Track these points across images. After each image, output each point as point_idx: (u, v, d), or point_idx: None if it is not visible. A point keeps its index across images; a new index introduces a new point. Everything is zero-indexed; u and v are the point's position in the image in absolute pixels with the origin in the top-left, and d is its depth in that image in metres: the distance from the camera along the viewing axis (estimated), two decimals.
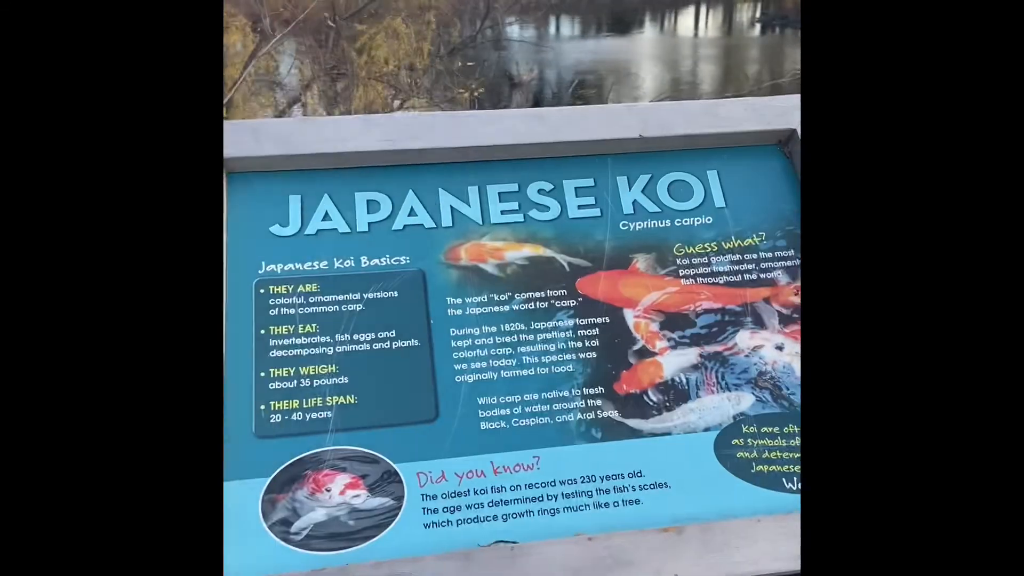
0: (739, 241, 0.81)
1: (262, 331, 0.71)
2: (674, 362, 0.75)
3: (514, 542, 0.64)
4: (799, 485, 0.69)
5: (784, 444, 0.71)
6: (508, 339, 0.74)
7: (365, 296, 0.74)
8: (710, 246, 0.81)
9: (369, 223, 0.78)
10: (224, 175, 0.75)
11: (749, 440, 0.71)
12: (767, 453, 0.71)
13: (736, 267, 0.80)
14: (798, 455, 0.71)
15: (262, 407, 0.68)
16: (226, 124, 0.76)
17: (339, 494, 0.66)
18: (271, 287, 0.73)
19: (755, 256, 0.80)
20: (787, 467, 0.70)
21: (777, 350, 0.76)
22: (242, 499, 0.64)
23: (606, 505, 0.68)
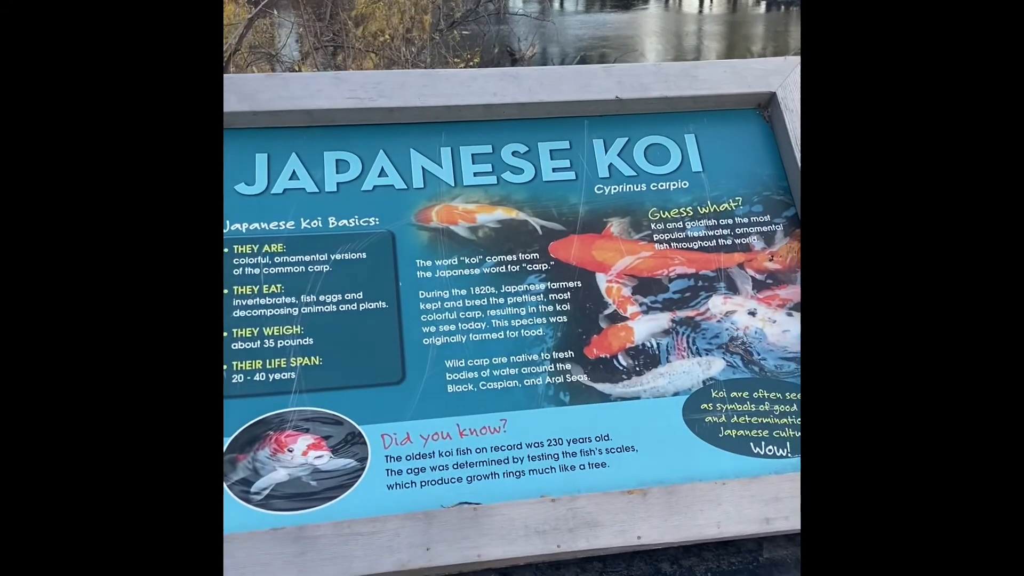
0: (715, 206, 0.80)
1: (226, 291, 0.70)
2: (645, 327, 0.74)
3: (478, 503, 0.64)
4: (767, 449, 0.69)
5: (753, 409, 0.71)
6: (478, 302, 0.73)
7: (332, 257, 0.73)
8: (685, 211, 0.80)
9: (338, 183, 0.77)
10: None
11: (718, 405, 0.71)
12: (736, 418, 0.70)
13: (711, 232, 0.79)
14: (767, 420, 0.70)
15: (224, 367, 0.67)
16: None
17: (301, 455, 0.65)
18: (235, 247, 0.72)
19: (731, 221, 0.79)
20: (755, 432, 0.70)
21: (750, 315, 0.75)
22: None
23: (572, 468, 0.67)
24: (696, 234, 0.78)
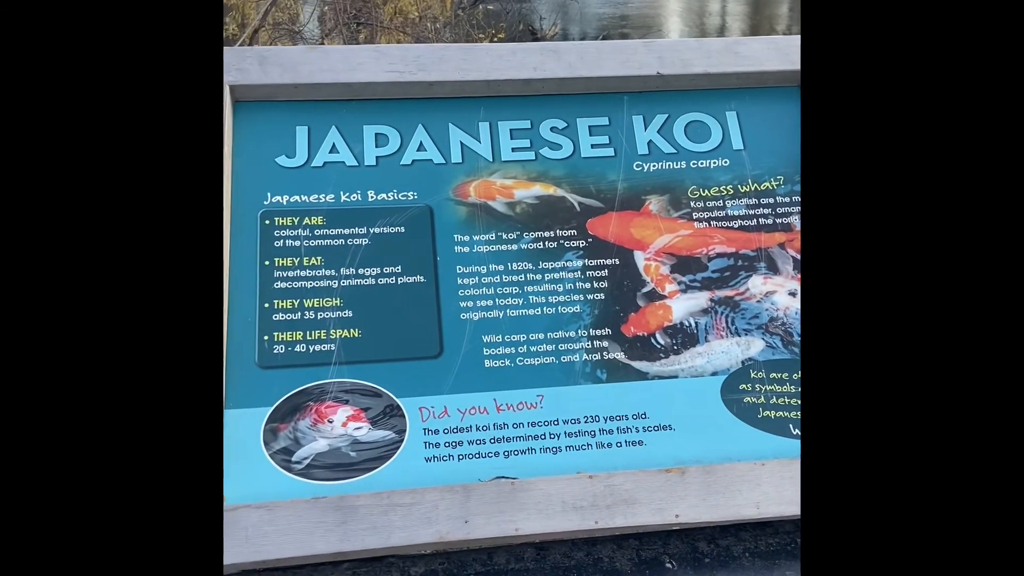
0: (756, 185, 0.79)
1: (266, 262, 0.71)
2: (684, 306, 0.73)
3: (515, 478, 0.64)
4: None
5: (793, 390, 0.70)
6: (515, 278, 0.73)
7: (371, 231, 0.73)
8: (726, 189, 0.79)
9: (377, 157, 0.76)
10: (230, 103, 0.74)
11: (757, 385, 0.70)
12: (775, 399, 0.70)
13: (752, 211, 0.78)
14: None
15: (265, 338, 0.68)
16: (232, 51, 0.74)
17: (341, 426, 0.66)
18: (276, 218, 0.72)
19: (772, 200, 0.78)
20: (795, 413, 0.69)
21: (790, 296, 0.74)
22: (243, 428, 0.64)
23: (609, 445, 0.67)
24: (736, 213, 0.78)
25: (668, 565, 0.63)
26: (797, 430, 0.69)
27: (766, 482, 0.65)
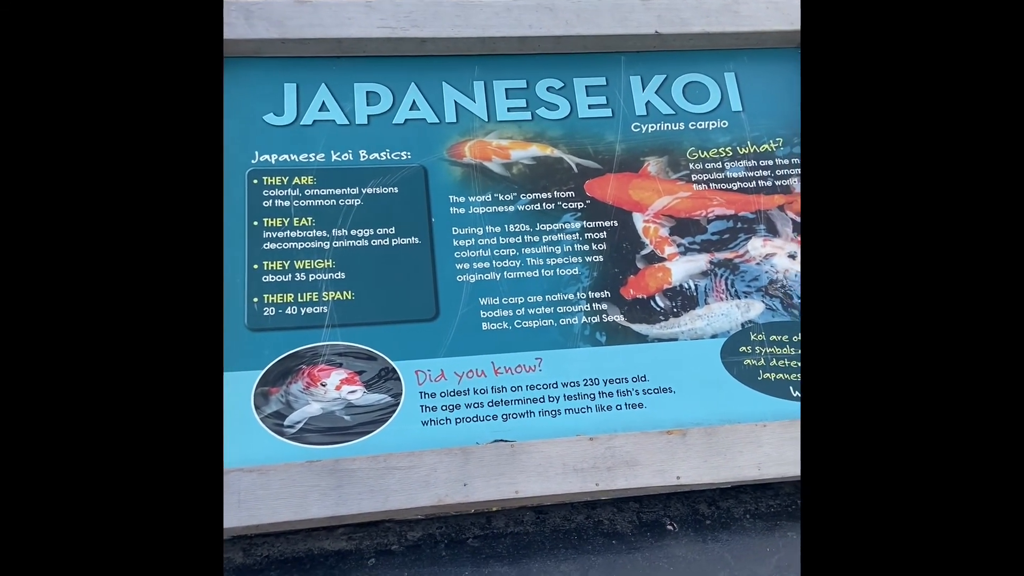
0: (755, 147, 0.78)
1: (255, 222, 0.68)
2: (683, 268, 0.72)
3: (514, 441, 0.63)
4: None
5: (793, 352, 0.69)
6: (512, 240, 0.71)
7: (364, 191, 0.71)
8: (725, 151, 0.77)
9: (369, 116, 0.74)
10: None
11: (756, 348, 0.69)
12: (774, 361, 0.69)
13: (751, 173, 0.77)
14: None
15: (255, 299, 0.66)
16: None
17: (335, 389, 0.64)
18: (265, 178, 0.70)
19: (771, 162, 0.77)
20: (795, 375, 0.68)
21: (790, 259, 0.73)
22: (234, 391, 0.62)
23: (609, 408, 0.66)
24: (735, 175, 0.76)
25: (669, 527, 0.63)
26: (797, 392, 0.68)
27: (767, 443, 0.64)
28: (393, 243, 0.70)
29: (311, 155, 0.72)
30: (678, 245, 0.73)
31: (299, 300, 0.66)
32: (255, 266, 0.67)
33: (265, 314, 0.66)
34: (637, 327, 0.70)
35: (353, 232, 0.70)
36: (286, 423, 0.62)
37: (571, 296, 0.70)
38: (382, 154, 0.73)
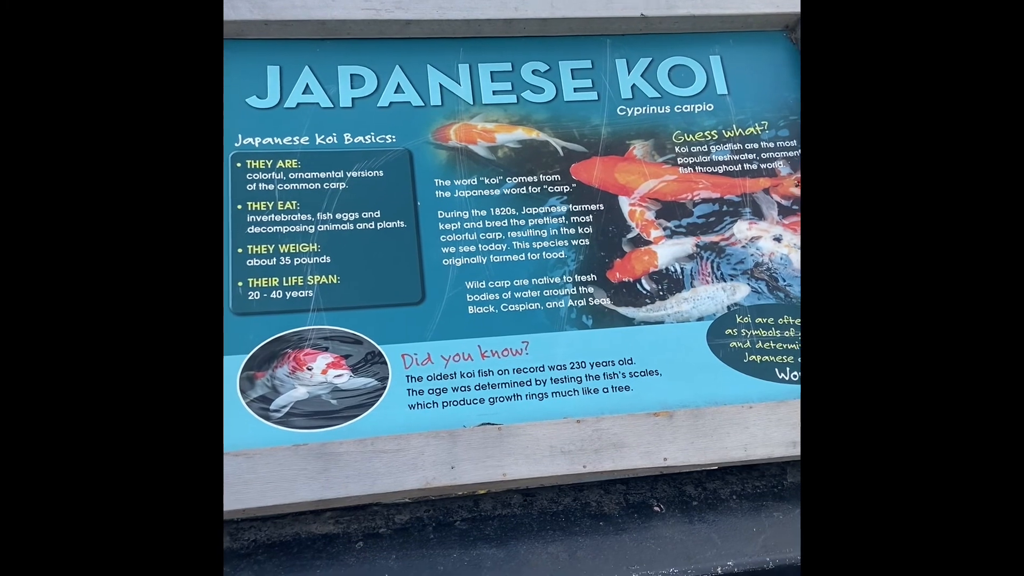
0: (740, 130, 0.78)
1: (239, 206, 0.68)
2: (669, 251, 0.72)
3: (501, 424, 0.63)
4: (792, 376, 0.68)
5: (778, 335, 0.70)
6: (498, 223, 0.71)
7: (348, 175, 0.71)
8: (710, 134, 0.77)
9: (353, 99, 0.73)
10: None
11: (743, 330, 0.70)
12: (760, 343, 0.69)
13: (736, 156, 0.77)
14: (792, 346, 0.69)
15: (239, 283, 0.65)
16: None
17: (321, 373, 0.63)
18: (248, 161, 0.69)
19: (756, 146, 0.77)
20: (780, 357, 0.69)
21: (775, 241, 0.74)
22: None
23: (595, 391, 0.66)
24: (721, 158, 0.76)
25: (656, 508, 0.63)
26: (783, 374, 0.68)
27: (753, 424, 0.64)
28: (378, 227, 0.69)
29: (295, 138, 0.71)
30: (664, 228, 0.73)
31: (284, 284, 0.66)
32: (239, 250, 0.66)
33: (250, 298, 0.65)
34: (623, 310, 0.70)
35: (338, 216, 0.69)
36: (272, 407, 0.62)
37: (557, 279, 0.70)
38: (367, 137, 0.72)
